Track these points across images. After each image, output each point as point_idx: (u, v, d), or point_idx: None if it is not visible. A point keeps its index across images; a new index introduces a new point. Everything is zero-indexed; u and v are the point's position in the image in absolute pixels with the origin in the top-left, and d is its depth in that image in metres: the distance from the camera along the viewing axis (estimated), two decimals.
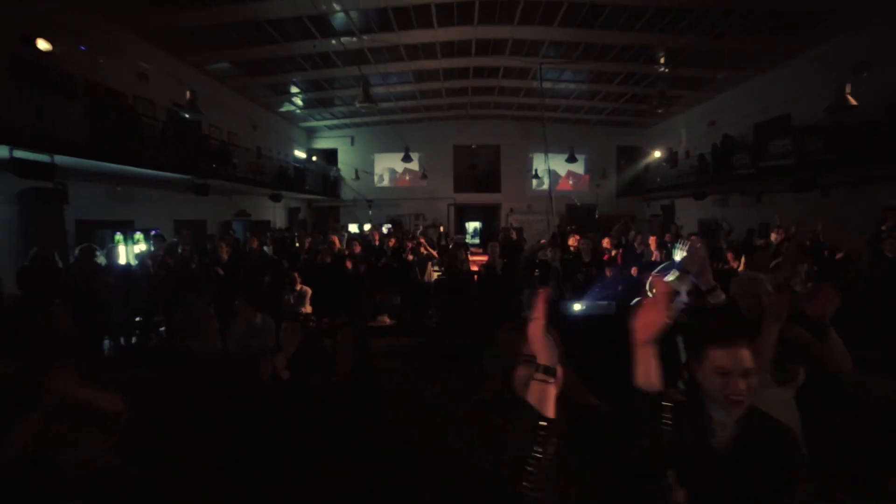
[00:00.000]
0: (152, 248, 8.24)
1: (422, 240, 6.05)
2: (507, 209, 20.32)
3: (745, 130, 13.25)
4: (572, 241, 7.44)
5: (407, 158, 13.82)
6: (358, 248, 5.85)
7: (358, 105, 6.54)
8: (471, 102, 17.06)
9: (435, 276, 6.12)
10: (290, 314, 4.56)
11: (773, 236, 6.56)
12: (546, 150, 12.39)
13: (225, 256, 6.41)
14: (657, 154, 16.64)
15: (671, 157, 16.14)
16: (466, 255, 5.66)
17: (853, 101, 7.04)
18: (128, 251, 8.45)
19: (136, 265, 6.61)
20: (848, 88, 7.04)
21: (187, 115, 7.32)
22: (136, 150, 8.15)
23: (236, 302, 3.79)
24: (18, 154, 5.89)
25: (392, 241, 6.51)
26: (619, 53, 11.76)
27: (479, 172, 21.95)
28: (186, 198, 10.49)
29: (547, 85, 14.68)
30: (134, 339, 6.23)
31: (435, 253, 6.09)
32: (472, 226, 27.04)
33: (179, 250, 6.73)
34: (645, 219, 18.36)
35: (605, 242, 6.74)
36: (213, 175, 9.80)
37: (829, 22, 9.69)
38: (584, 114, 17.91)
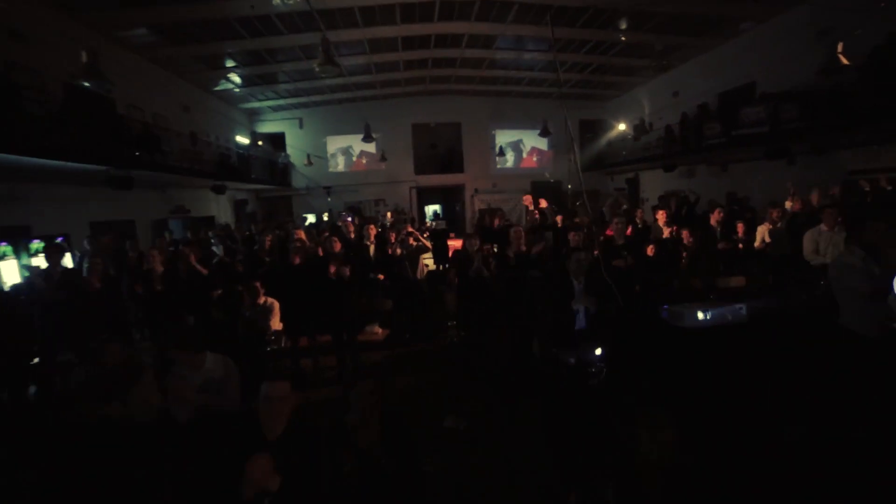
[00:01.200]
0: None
1: (410, 228, 4.99)
2: (472, 190, 19.51)
3: (709, 100, 13.16)
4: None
5: (368, 138, 12.50)
6: (338, 246, 4.76)
7: (317, 69, 5.28)
8: (430, 76, 15.85)
9: (426, 271, 5.18)
10: (257, 345, 3.45)
11: (787, 204, 6.18)
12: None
13: (159, 268, 5.08)
14: (621, 127, 16.37)
15: (637, 129, 15.94)
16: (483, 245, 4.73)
17: (845, 61, 6.76)
18: (20, 268, 6.73)
19: (21, 287, 5.04)
20: (840, 47, 6.74)
21: (87, 85, 5.69)
22: (15, 133, 6.33)
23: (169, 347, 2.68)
24: None
25: (372, 230, 5.41)
26: (582, 18, 11.08)
27: (441, 152, 20.90)
28: (107, 195, 8.66)
29: (510, 55, 13.83)
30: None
31: (428, 244, 5.11)
32: (431, 209, 26.08)
33: (85, 265, 5.28)
34: (609, 192, 18.27)
35: (661, 217, 6.02)
36: (136, 164, 8.08)
37: None
38: (548, 86, 17.26)
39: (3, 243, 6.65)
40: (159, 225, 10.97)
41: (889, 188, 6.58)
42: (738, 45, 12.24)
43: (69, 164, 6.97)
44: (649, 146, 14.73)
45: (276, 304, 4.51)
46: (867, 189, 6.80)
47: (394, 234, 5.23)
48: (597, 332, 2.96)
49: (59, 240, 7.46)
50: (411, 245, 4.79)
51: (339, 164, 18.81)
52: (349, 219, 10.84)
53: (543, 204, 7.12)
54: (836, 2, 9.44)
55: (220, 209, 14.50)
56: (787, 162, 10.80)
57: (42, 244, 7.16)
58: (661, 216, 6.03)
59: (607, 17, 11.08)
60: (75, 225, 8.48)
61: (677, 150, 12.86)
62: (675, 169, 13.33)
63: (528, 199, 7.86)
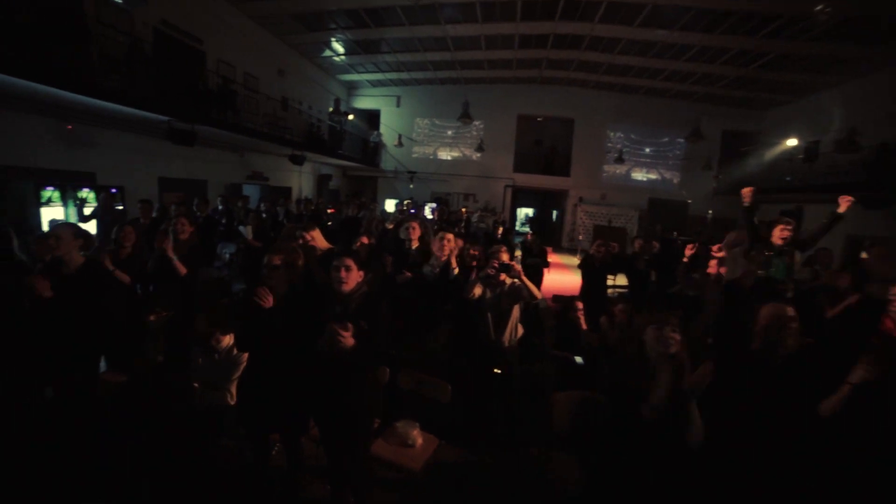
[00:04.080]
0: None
1: (504, 255, 2.82)
2: (576, 198, 16.81)
3: None
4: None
5: (465, 117, 10.72)
6: (450, 245, 3.07)
7: None
8: (548, 59, 13.54)
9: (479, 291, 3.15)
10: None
11: None
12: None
13: (185, 236, 3.75)
14: (791, 142, 12.40)
15: (808, 150, 11.91)
16: None
17: None
18: (68, 217, 6.18)
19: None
20: None
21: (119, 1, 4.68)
22: (82, 71, 5.71)
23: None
24: None
25: (416, 233, 3.48)
26: None
27: (545, 150, 18.50)
28: (180, 150, 8.09)
29: (656, 34, 10.93)
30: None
31: (530, 284, 2.88)
32: (523, 212, 23.65)
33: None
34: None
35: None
36: (200, 120, 7.28)
37: None
38: (691, 84, 13.85)
39: (50, 187, 6.13)
40: (234, 188, 10.48)
41: None
42: None
43: (123, 108, 6.27)
44: (833, 170, 10.78)
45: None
46: None
47: (473, 253, 3.28)
48: None
49: (112, 191, 6.94)
50: (502, 282, 2.75)
51: (431, 150, 17.44)
52: (426, 210, 9.15)
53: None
54: None
55: (303, 181, 13.97)
56: None
57: (92, 193, 6.66)
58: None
59: None
60: (142, 179, 8.03)
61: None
62: (888, 206, 9.14)
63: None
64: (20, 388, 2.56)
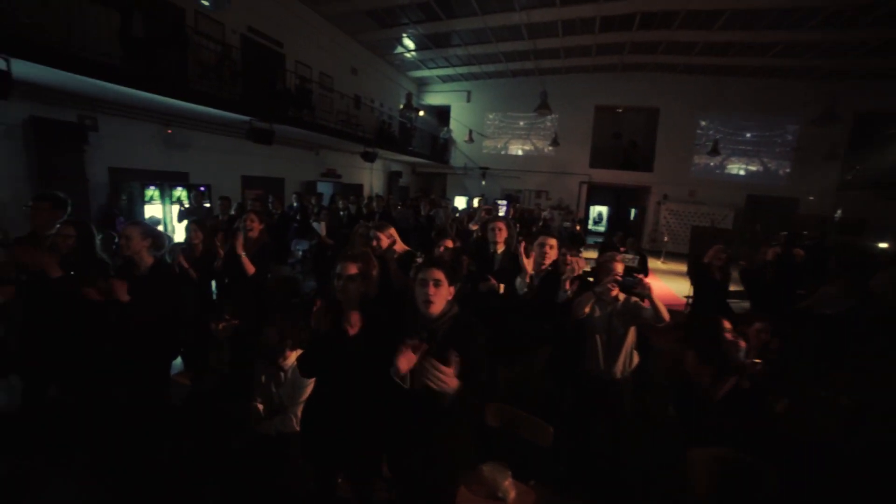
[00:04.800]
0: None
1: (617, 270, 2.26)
2: (659, 194, 15.26)
3: None
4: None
5: (543, 108, 10.04)
6: (553, 254, 2.61)
7: None
8: (632, 42, 12.30)
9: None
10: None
11: None
12: None
13: (254, 234, 3.63)
14: None
15: None
16: None
17: None
18: (165, 214, 6.56)
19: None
20: None
21: (205, 3, 4.73)
22: (181, 79, 6.03)
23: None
24: None
25: (502, 234, 2.94)
26: None
27: (625, 143, 17.06)
28: (259, 149, 8.43)
29: (760, 3, 9.35)
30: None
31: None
32: (596, 210, 21.98)
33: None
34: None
35: None
36: (278, 118, 7.42)
37: None
38: (812, 58, 11.76)
39: (152, 186, 6.55)
40: (309, 185, 10.77)
41: None
42: None
43: (213, 110, 6.54)
44: None
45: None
46: None
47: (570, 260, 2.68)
48: None
49: (200, 189, 7.29)
50: (614, 297, 2.11)
51: (503, 143, 16.82)
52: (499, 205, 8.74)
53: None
54: None
55: (374, 178, 14.11)
56: None
57: (184, 191, 7.04)
58: None
59: None
60: (226, 177, 8.44)
61: None
62: None
63: None
64: (93, 389, 2.50)
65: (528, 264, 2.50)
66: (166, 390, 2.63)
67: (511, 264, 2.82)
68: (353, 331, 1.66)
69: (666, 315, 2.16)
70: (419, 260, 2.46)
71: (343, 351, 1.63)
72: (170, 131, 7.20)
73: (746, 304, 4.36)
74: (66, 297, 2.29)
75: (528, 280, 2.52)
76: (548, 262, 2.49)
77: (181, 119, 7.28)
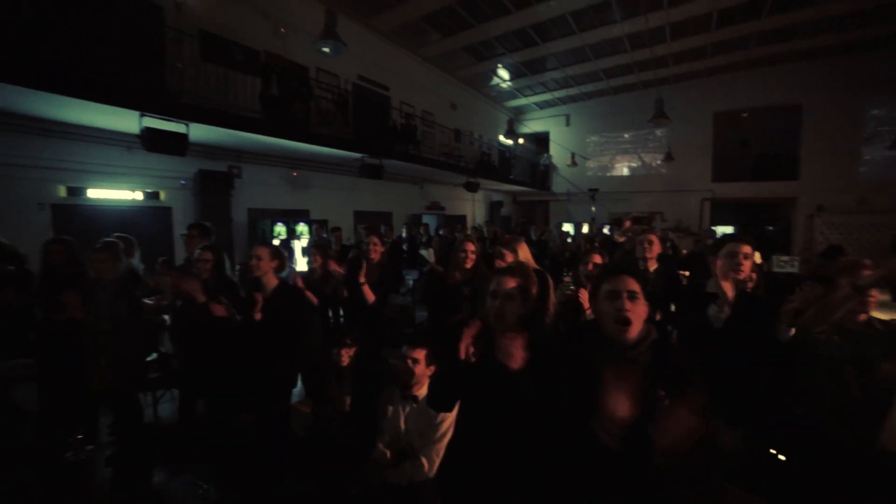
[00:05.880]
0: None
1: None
2: (811, 206, 12.70)
3: None
4: None
5: (659, 117, 9.17)
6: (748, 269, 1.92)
7: None
8: (759, 32, 10.75)
9: None
10: None
11: None
12: None
13: (376, 256, 3.52)
14: None
15: None
16: None
17: None
18: (291, 248, 7.16)
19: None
20: None
21: (326, 50, 5.14)
22: (305, 123, 6.72)
23: None
24: (148, 123, 4.68)
25: (654, 250, 2.37)
26: None
27: (755, 151, 14.76)
28: (369, 185, 9.02)
29: None
30: None
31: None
32: (720, 231, 19.19)
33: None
34: None
35: None
36: (387, 154, 7.80)
37: None
38: None
39: (280, 223, 7.24)
40: (415, 218, 11.12)
41: None
42: None
43: (332, 150, 7.11)
44: None
45: None
46: None
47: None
48: None
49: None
50: None
51: (607, 161, 15.78)
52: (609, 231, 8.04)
53: None
54: None
55: (476, 209, 14.16)
56: None
57: (306, 226, 7.66)
58: None
59: None
60: (341, 212, 9.07)
61: None
62: None
63: None
64: (225, 409, 2.54)
65: (728, 287, 1.85)
66: (287, 417, 2.58)
67: (672, 286, 2.26)
68: (514, 364, 1.31)
69: None
70: (566, 280, 2.06)
71: (501, 389, 1.28)
72: (295, 174, 8.00)
73: None
74: (209, 320, 2.38)
75: (726, 309, 1.85)
76: (743, 276, 1.85)
77: (303, 161, 8.07)
